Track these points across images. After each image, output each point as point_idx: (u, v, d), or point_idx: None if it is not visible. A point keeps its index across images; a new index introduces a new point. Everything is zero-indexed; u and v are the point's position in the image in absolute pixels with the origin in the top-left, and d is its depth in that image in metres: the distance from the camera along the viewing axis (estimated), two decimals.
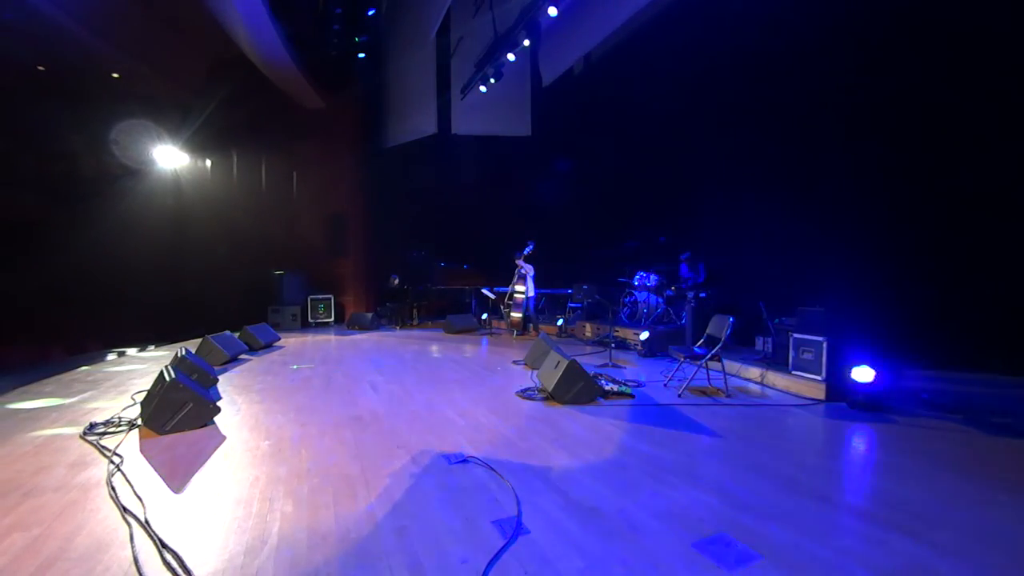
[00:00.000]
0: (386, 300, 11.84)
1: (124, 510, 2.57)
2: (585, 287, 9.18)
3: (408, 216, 12.49)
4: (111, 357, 7.43)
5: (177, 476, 3.04)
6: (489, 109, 11.42)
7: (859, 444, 3.72)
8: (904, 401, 4.67)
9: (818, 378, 4.82)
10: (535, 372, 5.62)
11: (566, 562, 2.12)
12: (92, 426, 3.92)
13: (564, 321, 9.57)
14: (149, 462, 3.26)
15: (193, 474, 3.07)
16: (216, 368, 6.04)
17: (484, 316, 10.39)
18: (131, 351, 7.95)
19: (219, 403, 4.52)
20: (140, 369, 6.40)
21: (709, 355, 4.98)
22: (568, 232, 11.34)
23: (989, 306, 5.07)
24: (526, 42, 8.22)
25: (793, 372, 5.11)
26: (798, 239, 6.58)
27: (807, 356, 4.97)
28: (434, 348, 8.13)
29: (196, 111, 10.97)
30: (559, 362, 4.77)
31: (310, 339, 9.30)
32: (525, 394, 4.93)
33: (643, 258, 8.69)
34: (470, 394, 5.04)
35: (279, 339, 8.90)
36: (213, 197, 11.49)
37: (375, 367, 6.51)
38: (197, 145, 11.27)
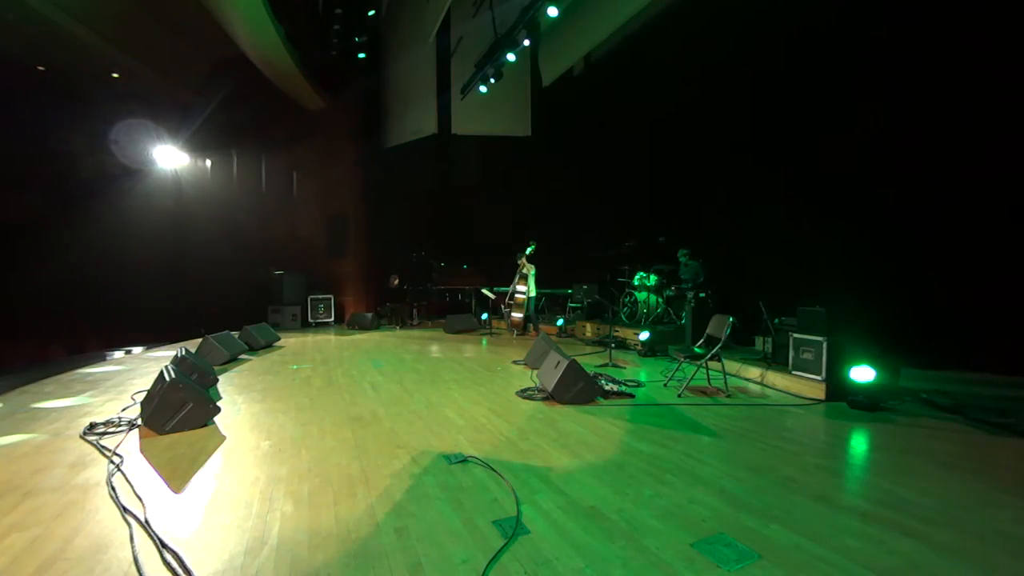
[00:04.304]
0: (386, 300, 11.84)
1: (124, 510, 2.57)
2: (585, 287, 9.19)
3: (408, 216, 12.49)
4: (111, 357, 7.43)
5: (177, 476, 3.04)
6: (489, 109, 11.42)
7: (859, 444, 3.72)
8: (904, 401, 4.67)
9: (818, 378, 4.82)
10: (535, 372, 5.62)
11: (566, 562, 2.12)
12: (92, 426, 3.91)
13: (564, 321, 9.57)
14: (149, 462, 3.26)
15: (193, 474, 3.07)
16: (216, 368, 6.05)
17: (484, 316, 10.38)
18: (131, 351, 7.94)
19: (219, 403, 4.53)
20: (140, 369, 6.40)
21: (709, 355, 4.97)
22: (568, 232, 11.33)
23: (989, 306, 5.06)
24: (526, 42, 8.23)
25: (793, 372, 5.11)
26: (798, 239, 6.57)
27: (807, 356, 4.97)
28: (434, 348, 8.13)
29: (196, 111, 10.98)
30: (559, 362, 4.77)
31: (310, 339, 9.30)
32: (525, 394, 4.93)
33: (643, 258, 8.69)
34: (470, 394, 5.04)
35: (279, 339, 8.91)
36: (213, 197, 11.50)
37: (375, 367, 6.51)
38: (197, 145, 11.28)
